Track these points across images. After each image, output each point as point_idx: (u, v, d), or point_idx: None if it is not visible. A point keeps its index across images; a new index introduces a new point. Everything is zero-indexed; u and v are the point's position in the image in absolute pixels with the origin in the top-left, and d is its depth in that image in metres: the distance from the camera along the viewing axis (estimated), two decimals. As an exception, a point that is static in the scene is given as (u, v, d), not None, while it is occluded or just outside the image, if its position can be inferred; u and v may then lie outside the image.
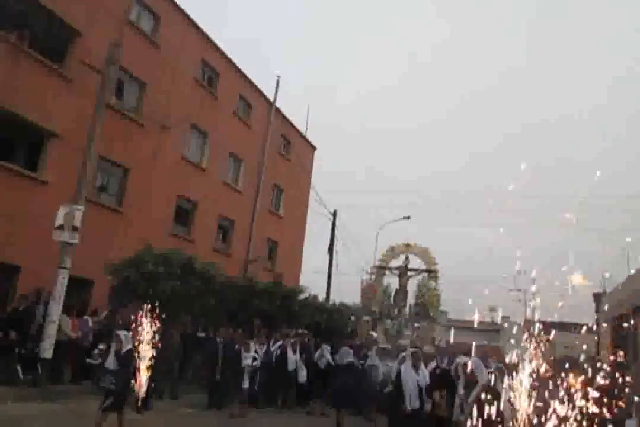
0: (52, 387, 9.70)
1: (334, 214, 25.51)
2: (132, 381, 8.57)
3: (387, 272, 20.54)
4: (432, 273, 20.05)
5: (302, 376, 11.85)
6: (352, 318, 18.55)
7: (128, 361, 7.70)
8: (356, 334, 15.95)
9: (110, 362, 7.64)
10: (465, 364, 6.53)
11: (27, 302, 10.51)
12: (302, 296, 17.37)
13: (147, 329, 9.04)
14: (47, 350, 9.79)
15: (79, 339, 10.79)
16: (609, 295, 20.47)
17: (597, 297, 21.21)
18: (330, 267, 24.09)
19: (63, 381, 10.38)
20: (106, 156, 15.32)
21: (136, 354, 8.92)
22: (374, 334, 12.01)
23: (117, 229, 16.00)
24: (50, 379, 9.96)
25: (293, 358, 11.92)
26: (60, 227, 10.44)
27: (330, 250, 24.46)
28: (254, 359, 10.76)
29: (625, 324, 18.80)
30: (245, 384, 10.49)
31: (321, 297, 22.46)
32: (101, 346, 9.99)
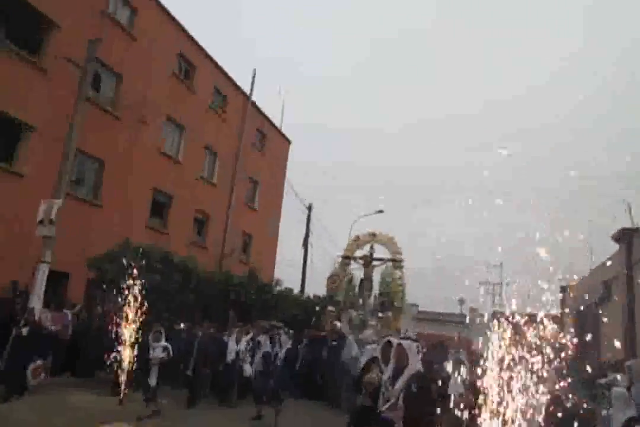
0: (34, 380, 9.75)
1: (309, 208, 25.78)
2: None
3: (353, 262, 20.63)
4: (397, 262, 20.19)
5: (247, 369, 10.54)
6: (317, 308, 18.78)
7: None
8: (320, 325, 16.12)
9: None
10: (397, 347, 5.06)
11: (22, 298, 10.56)
12: (277, 289, 17.64)
13: (132, 320, 9.27)
14: (27, 343, 9.82)
15: (59, 332, 10.84)
16: (574, 288, 21.29)
17: (564, 290, 22.02)
18: (305, 261, 24.40)
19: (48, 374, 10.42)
20: (82, 149, 15.24)
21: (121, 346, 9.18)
22: (338, 324, 11.61)
23: (93, 222, 15.98)
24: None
25: (234, 348, 10.74)
26: (41, 222, 10.47)
27: (305, 243, 24.76)
28: (164, 349, 9.26)
29: (587, 315, 19.65)
30: (152, 380, 8.99)
31: (297, 289, 22.83)
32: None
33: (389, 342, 5.35)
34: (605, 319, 18.28)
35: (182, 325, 11.78)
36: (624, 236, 16.34)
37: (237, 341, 10.97)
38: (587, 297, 20.06)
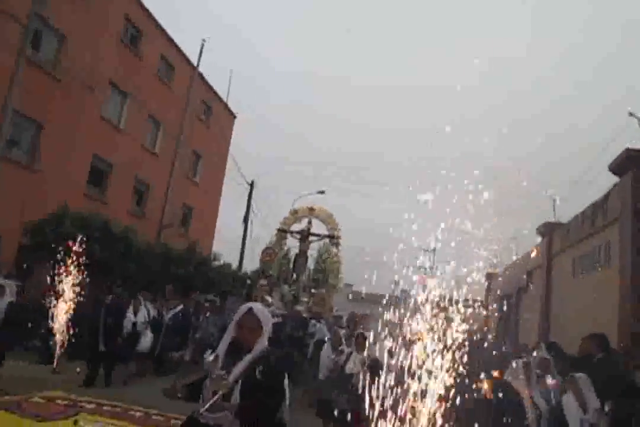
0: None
1: (251, 184, 25.77)
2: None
3: (290, 236, 20.44)
4: (334, 239, 20.20)
5: (144, 342, 10.02)
6: (248, 282, 18.76)
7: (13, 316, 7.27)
8: (251, 298, 16.23)
9: None
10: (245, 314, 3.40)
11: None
12: (216, 264, 17.74)
13: (68, 288, 9.21)
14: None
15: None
16: (498, 276, 22.54)
17: (489, 277, 23.26)
18: (245, 237, 24.48)
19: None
20: (20, 110, 14.60)
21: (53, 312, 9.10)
22: (269, 299, 11.56)
23: (30, 186, 15.39)
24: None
25: (130, 319, 9.91)
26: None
27: (246, 220, 24.81)
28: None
29: (509, 302, 20.93)
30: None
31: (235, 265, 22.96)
32: None
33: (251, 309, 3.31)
34: (524, 306, 19.53)
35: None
36: (547, 230, 17.39)
37: (135, 312, 10.20)
38: (510, 285, 21.32)
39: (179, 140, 23.50)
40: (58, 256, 9.32)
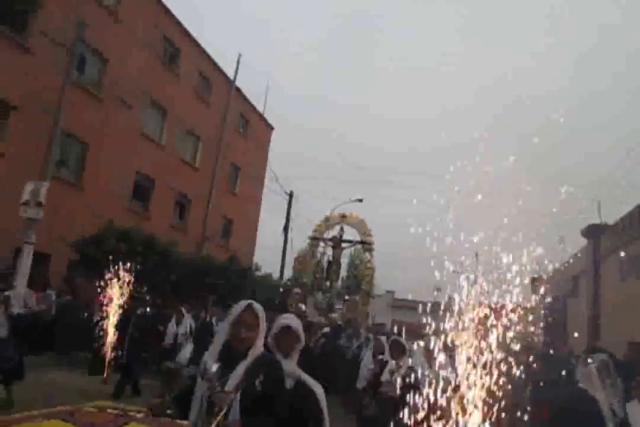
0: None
1: (290, 195, 26.02)
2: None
3: (322, 243, 20.38)
4: (366, 245, 20.04)
5: (183, 353, 9.95)
6: (282, 290, 18.74)
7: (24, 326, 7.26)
8: (285, 307, 16.18)
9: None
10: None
11: (4, 279, 10.64)
12: (257, 274, 17.96)
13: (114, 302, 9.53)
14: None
15: (42, 312, 11.03)
16: (544, 280, 21.97)
17: (535, 281, 22.73)
18: (285, 247, 24.70)
19: (26, 353, 10.62)
20: (67, 131, 15.24)
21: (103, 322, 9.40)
22: (303, 307, 11.32)
23: (76, 204, 16.03)
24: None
25: (172, 331, 10.14)
26: (26, 203, 10.58)
27: (286, 229, 25.04)
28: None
29: (556, 307, 20.40)
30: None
31: (276, 274, 23.17)
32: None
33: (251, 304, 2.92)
34: (572, 311, 19.02)
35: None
36: (592, 232, 16.96)
37: (177, 324, 10.32)
38: (556, 290, 20.80)
39: (218, 154, 24.00)
40: (104, 270, 9.66)
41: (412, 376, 5.39)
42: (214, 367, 2.55)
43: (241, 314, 2.77)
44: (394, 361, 5.82)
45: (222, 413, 2.38)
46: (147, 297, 10.68)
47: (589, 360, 6.13)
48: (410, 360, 6.31)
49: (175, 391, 2.97)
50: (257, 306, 2.82)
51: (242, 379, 2.56)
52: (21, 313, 7.10)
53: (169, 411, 2.88)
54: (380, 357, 6.74)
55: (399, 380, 5.52)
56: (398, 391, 5.17)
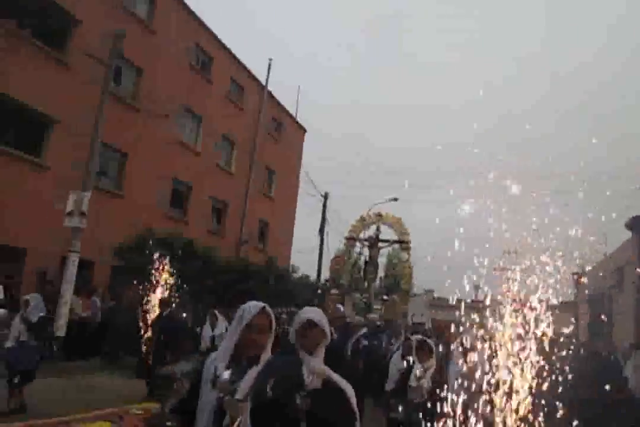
0: (65, 364, 10.35)
1: (325, 196, 26.11)
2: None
3: (358, 243, 20.20)
4: (404, 244, 19.75)
5: None
6: (319, 291, 18.61)
7: (41, 330, 7.31)
8: (323, 308, 15.95)
9: (16, 331, 7.14)
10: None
11: (52, 287, 11.06)
12: (294, 276, 18.12)
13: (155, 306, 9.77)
14: (61, 328, 10.45)
15: (89, 318, 11.44)
16: (587, 275, 21.43)
17: (577, 276, 22.19)
18: (322, 248, 24.78)
19: (75, 357, 11.04)
20: (105, 141, 15.70)
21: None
22: (341, 308, 10.90)
23: (116, 211, 16.48)
24: (64, 355, 10.63)
25: (208, 334, 10.02)
26: (71, 213, 10.98)
27: (322, 231, 25.13)
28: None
29: (601, 301, 19.85)
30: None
31: (313, 274, 23.29)
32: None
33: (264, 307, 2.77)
34: (617, 305, 18.51)
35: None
36: (636, 223, 16.48)
37: (212, 326, 10.14)
38: (601, 284, 20.25)
39: (252, 158, 24.30)
40: (145, 276, 9.94)
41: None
42: (226, 374, 2.38)
43: (254, 318, 2.59)
44: (419, 364, 5.54)
45: (237, 424, 2.18)
46: (172, 300, 10.60)
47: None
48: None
49: (174, 400, 2.66)
50: (269, 309, 2.64)
51: (254, 384, 2.32)
52: (40, 317, 7.19)
53: (168, 424, 2.58)
54: (408, 358, 6.27)
55: (425, 384, 5.33)
56: (425, 396, 5.07)
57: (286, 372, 2.39)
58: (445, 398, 2.37)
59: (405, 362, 6.01)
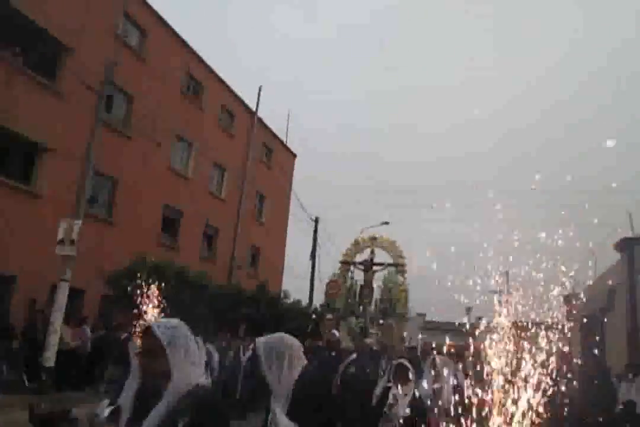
0: (56, 394, 10.15)
1: (316, 221, 26.16)
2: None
3: (353, 267, 20.08)
4: (399, 267, 19.66)
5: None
6: (314, 316, 18.45)
7: None
8: (318, 334, 15.61)
9: None
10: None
11: (42, 315, 10.92)
12: (286, 301, 18.02)
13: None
14: (50, 359, 10.29)
15: (78, 348, 11.26)
16: (578, 296, 21.45)
17: (568, 298, 22.21)
18: (313, 273, 24.71)
19: (66, 388, 10.83)
20: (96, 169, 15.71)
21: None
22: (337, 333, 10.62)
23: (107, 239, 16.42)
24: (54, 386, 10.43)
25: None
26: (62, 241, 10.93)
27: (313, 256, 25.09)
28: None
29: (592, 323, 19.86)
30: None
31: (305, 299, 23.14)
32: None
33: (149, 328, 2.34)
34: (609, 327, 18.51)
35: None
36: (626, 245, 16.64)
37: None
38: (591, 306, 20.29)
39: (243, 184, 24.39)
40: (136, 305, 9.82)
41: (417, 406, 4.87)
42: (106, 412, 2.09)
43: (140, 345, 2.18)
44: (397, 390, 5.05)
45: None
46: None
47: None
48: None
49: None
50: (158, 328, 2.11)
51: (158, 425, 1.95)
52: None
53: None
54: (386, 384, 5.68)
55: (400, 412, 4.85)
56: (397, 426, 4.70)
57: (205, 413, 2.00)
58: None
59: (380, 389, 5.51)
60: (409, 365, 5.22)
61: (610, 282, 18.01)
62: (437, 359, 6.78)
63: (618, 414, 5.42)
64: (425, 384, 6.02)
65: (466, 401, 2.34)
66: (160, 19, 19.33)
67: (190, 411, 1.93)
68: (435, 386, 6.15)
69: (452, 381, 6.18)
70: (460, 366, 6.35)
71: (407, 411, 4.80)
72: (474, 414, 2.24)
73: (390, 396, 5.00)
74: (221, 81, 23.27)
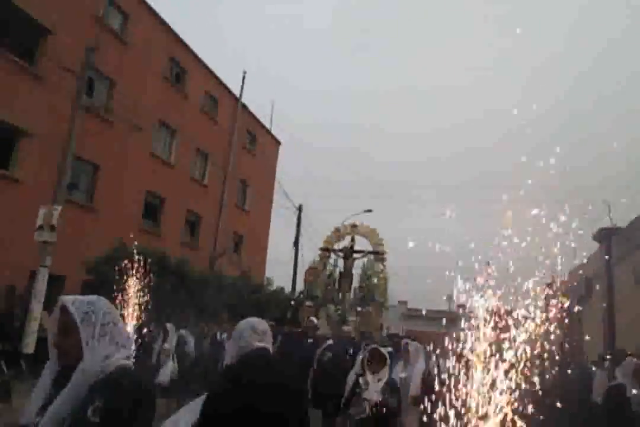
0: (35, 382, 10.06)
1: (300, 208, 26.15)
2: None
3: (333, 254, 20.08)
4: (378, 255, 19.69)
5: (164, 372, 8.91)
6: (292, 303, 18.52)
7: None
8: (297, 321, 15.70)
9: None
10: None
11: (21, 302, 10.78)
12: (269, 289, 18.05)
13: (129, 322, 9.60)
14: (29, 345, 10.20)
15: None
16: (558, 285, 21.79)
17: (549, 287, 22.56)
18: (296, 260, 24.78)
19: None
20: (77, 154, 15.48)
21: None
22: (315, 320, 10.70)
23: (88, 225, 16.27)
24: (32, 373, 10.34)
25: (157, 349, 9.46)
26: (41, 227, 10.78)
27: (296, 243, 25.13)
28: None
29: (569, 313, 20.20)
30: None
31: (288, 286, 23.24)
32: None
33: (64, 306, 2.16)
34: (586, 316, 18.86)
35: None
36: (604, 236, 16.89)
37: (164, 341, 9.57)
38: (571, 294, 20.62)
39: (226, 171, 24.24)
40: (118, 290, 9.76)
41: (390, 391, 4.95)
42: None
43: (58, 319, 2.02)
44: (370, 375, 5.04)
45: None
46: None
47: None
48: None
49: None
50: (72, 304, 1.97)
51: (64, 409, 1.79)
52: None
53: None
54: (358, 370, 5.74)
55: (374, 397, 4.86)
56: (367, 411, 4.76)
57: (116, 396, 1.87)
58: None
59: (354, 374, 5.59)
60: (383, 350, 5.27)
61: (587, 271, 18.33)
62: (410, 346, 6.89)
63: (606, 399, 5.50)
64: (395, 372, 6.14)
65: (436, 387, 2.39)
66: (143, 2, 18.98)
67: (103, 395, 1.75)
68: (402, 375, 6.30)
69: (424, 367, 6.36)
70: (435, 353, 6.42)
71: (379, 396, 4.85)
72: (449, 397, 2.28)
73: (361, 381, 5.05)
74: (205, 67, 23.00)
